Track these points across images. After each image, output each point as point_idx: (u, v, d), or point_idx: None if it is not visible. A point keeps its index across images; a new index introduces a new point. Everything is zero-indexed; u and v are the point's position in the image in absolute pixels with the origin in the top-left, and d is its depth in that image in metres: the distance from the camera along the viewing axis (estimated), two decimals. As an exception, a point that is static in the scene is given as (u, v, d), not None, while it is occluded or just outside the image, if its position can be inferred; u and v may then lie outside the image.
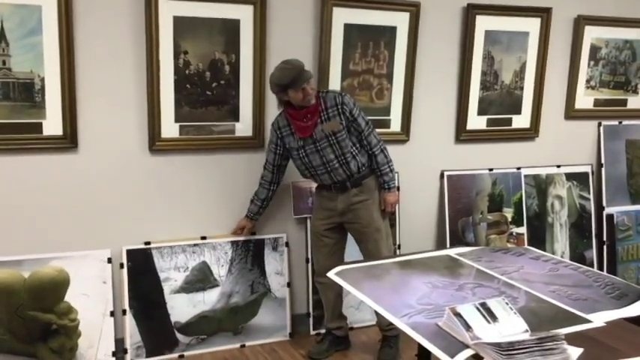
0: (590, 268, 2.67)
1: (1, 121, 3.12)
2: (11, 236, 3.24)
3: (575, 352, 1.86)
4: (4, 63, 3.08)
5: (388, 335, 3.54)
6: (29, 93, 3.15)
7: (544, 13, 4.21)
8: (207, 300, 3.60)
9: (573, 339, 1.92)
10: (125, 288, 3.43)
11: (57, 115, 3.21)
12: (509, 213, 4.37)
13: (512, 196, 4.38)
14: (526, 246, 3.04)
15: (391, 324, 3.54)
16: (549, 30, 4.24)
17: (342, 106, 3.27)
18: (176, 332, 3.53)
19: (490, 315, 1.95)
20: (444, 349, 1.87)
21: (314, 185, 3.57)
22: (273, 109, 3.62)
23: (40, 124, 3.20)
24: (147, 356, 3.46)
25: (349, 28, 3.71)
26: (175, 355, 3.52)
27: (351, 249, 3.57)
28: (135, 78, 3.36)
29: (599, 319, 2.07)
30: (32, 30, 3.09)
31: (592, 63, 4.51)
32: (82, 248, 3.36)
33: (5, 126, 3.13)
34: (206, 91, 3.50)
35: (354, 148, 3.33)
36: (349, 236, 3.54)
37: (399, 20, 3.83)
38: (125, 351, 3.42)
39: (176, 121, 3.47)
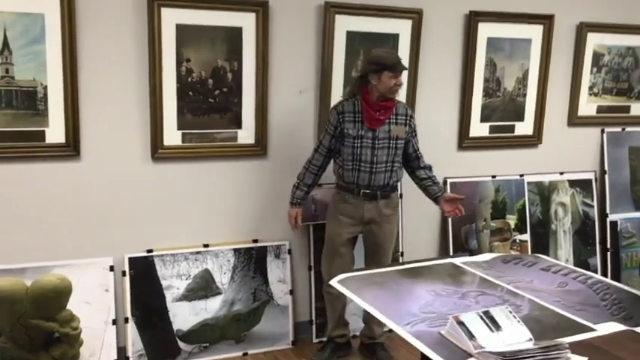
0: (602, 279, 2.64)
1: (3, 129, 3.13)
2: (14, 244, 3.24)
3: (579, 360, 1.85)
4: (7, 71, 3.09)
5: (378, 342, 3.61)
6: (32, 101, 3.16)
7: (546, 20, 4.21)
8: (210, 308, 3.60)
9: (577, 347, 1.91)
10: (127, 296, 3.43)
11: (59, 123, 3.21)
12: (512, 220, 4.36)
13: (515, 203, 4.37)
14: (537, 254, 3.02)
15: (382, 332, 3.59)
16: (552, 37, 4.24)
17: (411, 119, 3.40)
18: (178, 340, 3.52)
19: (494, 323, 1.94)
20: (447, 358, 1.86)
21: (318, 193, 3.56)
22: (275, 117, 3.64)
23: (43, 132, 3.21)
24: (149, 364, 3.46)
25: (351, 36, 3.71)
26: (178, 363, 3.52)
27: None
28: (137, 86, 3.36)
29: (601, 329, 2.07)
30: (35, 38, 3.10)
31: (595, 70, 4.51)
32: (85, 256, 3.36)
33: (8, 134, 3.14)
34: (209, 99, 3.51)
35: (401, 161, 3.40)
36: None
37: (402, 27, 3.83)
38: (127, 359, 3.41)
39: (179, 128, 3.47)
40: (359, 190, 3.34)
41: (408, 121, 3.37)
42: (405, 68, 3.34)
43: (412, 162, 3.47)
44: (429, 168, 3.50)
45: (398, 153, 3.35)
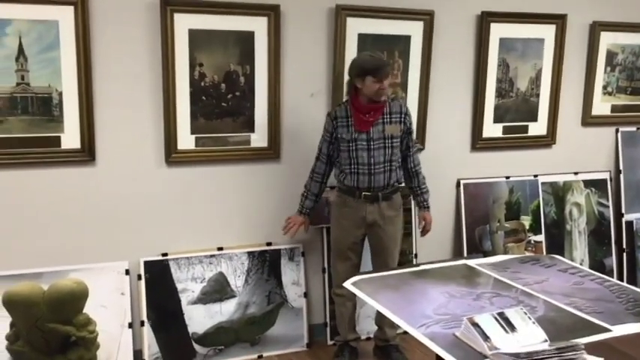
0: (619, 282, 2.63)
1: (19, 135, 3.16)
2: (30, 249, 3.27)
3: (595, 361, 1.84)
4: (22, 78, 3.13)
5: (392, 344, 3.60)
6: (47, 107, 3.19)
7: (559, 20, 4.19)
8: (224, 311, 3.61)
9: (593, 348, 1.90)
10: (143, 299, 3.45)
11: (75, 128, 3.25)
12: (526, 221, 4.34)
13: (529, 203, 4.35)
14: (552, 255, 3.01)
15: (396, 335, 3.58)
16: (565, 36, 4.22)
17: (405, 116, 3.37)
18: (194, 343, 3.54)
19: (508, 325, 1.93)
20: (462, 360, 1.86)
21: (332, 196, 3.56)
22: (288, 120, 3.65)
23: (58, 137, 3.24)
24: (165, 367, 3.47)
25: (363, 38, 3.71)
26: (193, 366, 3.54)
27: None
28: (151, 90, 3.39)
29: (617, 330, 2.05)
30: (50, 45, 3.14)
31: (608, 69, 4.48)
32: (100, 260, 3.39)
33: (24, 140, 3.17)
34: (221, 103, 3.53)
35: (399, 160, 3.39)
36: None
37: (413, 29, 3.83)
38: (143, 362, 3.43)
39: (192, 132, 3.49)
40: (360, 192, 3.34)
41: (402, 119, 3.35)
42: (387, 73, 3.24)
43: (407, 161, 3.47)
44: (419, 173, 3.49)
45: (395, 152, 3.34)
